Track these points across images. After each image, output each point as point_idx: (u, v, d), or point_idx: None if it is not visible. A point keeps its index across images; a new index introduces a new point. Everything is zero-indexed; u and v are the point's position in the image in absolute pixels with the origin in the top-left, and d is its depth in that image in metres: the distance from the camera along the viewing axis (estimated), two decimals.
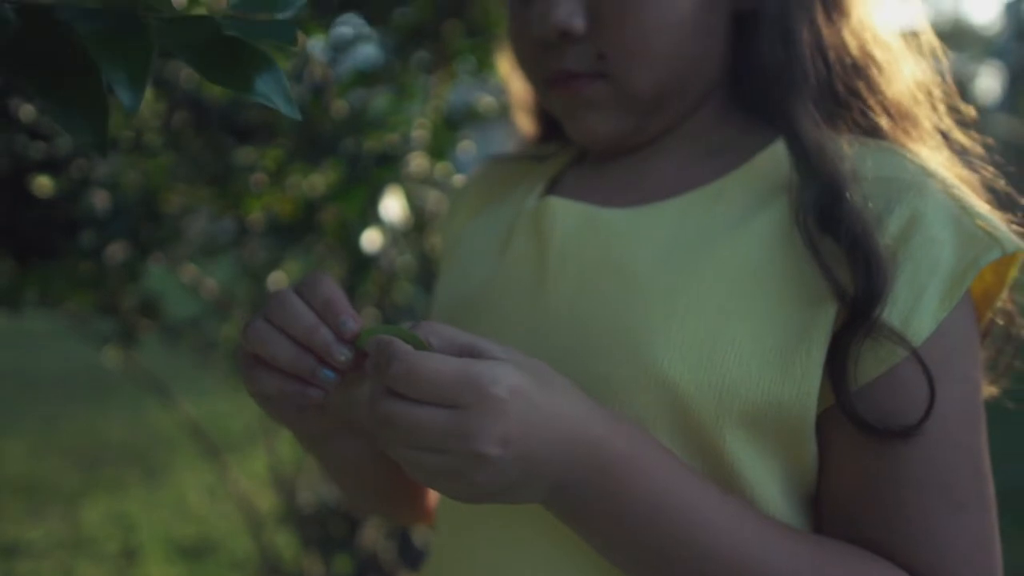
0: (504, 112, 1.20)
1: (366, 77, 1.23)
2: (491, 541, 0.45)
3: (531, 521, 0.42)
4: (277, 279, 1.40)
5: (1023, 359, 0.46)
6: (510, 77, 0.58)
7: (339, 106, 1.12)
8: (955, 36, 22.64)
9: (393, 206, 1.19)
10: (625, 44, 0.43)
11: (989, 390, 0.46)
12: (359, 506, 0.58)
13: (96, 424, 3.28)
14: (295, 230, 1.28)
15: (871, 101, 0.44)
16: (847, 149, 0.41)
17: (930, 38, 0.48)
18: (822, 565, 0.38)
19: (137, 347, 1.50)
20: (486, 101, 1.27)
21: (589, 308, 0.43)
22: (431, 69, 1.46)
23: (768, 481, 0.40)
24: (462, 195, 0.59)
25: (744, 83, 0.46)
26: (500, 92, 1.14)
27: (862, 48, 0.44)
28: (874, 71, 0.44)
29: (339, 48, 1.25)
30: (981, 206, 0.41)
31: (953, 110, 0.47)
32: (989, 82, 21.51)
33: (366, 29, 1.32)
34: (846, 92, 0.43)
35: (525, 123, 0.59)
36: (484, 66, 1.37)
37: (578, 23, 0.43)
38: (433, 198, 1.30)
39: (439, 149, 1.26)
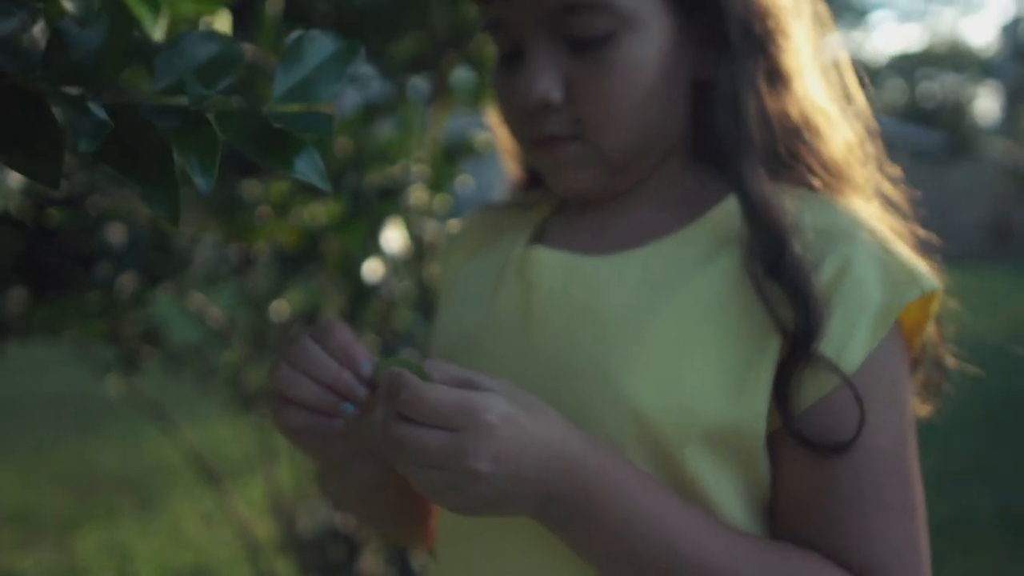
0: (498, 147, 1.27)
1: (372, 112, 1.29)
2: (487, 553, 0.50)
3: (524, 534, 0.47)
4: (278, 308, 1.45)
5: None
6: (499, 129, 0.63)
7: (343, 143, 1.18)
8: (953, 58, 23.08)
9: (393, 237, 1.25)
10: (598, 113, 0.48)
11: (923, 409, 0.52)
12: (368, 525, 0.63)
13: (89, 452, 3.29)
14: (298, 260, 1.34)
15: (810, 160, 0.49)
16: (789, 203, 0.47)
17: (863, 101, 0.54)
18: (776, 566, 0.43)
19: (139, 374, 1.54)
20: (482, 137, 1.33)
21: (569, 349, 0.49)
22: (429, 100, 1.53)
23: (726, 493, 0.46)
24: (457, 240, 0.65)
25: (702, 143, 0.52)
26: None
27: (802, 115, 0.50)
28: (813, 134, 0.50)
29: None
30: (904, 251, 0.47)
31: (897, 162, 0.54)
32: (987, 103, 21.93)
33: (366, 65, 1.39)
34: (788, 153, 0.49)
35: (513, 169, 0.65)
36: (480, 98, 1.44)
37: (556, 95, 0.48)
38: (432, 229, 1.36)
39: (438, 182, 1.32)
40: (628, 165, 0.51)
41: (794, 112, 0.50)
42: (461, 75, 1.51)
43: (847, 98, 0.54)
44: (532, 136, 0.51)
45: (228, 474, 2.59)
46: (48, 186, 0.33)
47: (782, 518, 0.47)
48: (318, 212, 1.27)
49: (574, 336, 0.49)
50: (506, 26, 0.50)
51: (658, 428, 0.45)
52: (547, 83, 0.48)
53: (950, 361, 0.52)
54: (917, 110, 21.16)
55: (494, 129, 0.68)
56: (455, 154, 1.34)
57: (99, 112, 0.32)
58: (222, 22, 0.61)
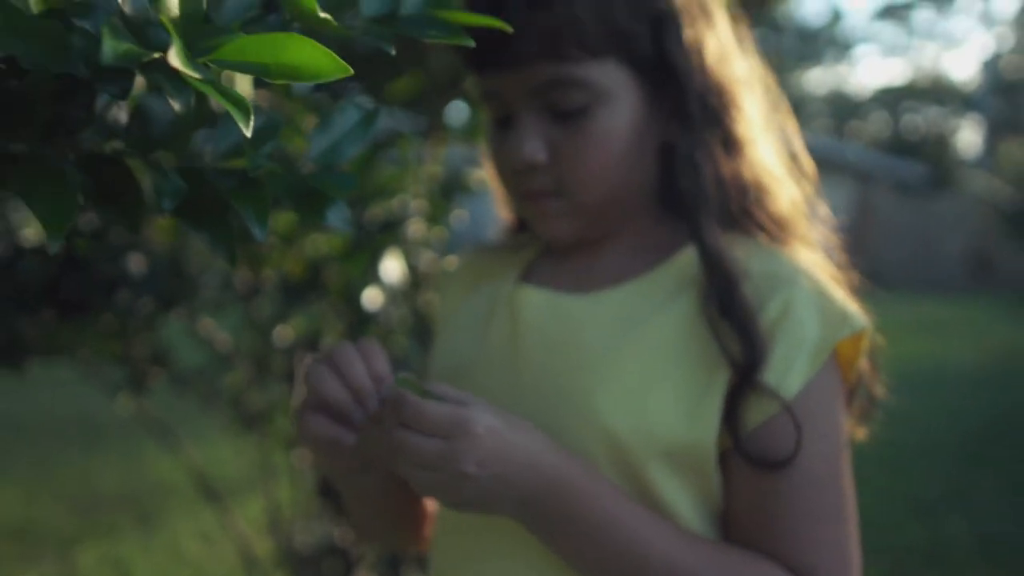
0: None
1: (375, 151, 1.37)
2: (478, 557, 0.58)
3: (512, 540, 0.54)
4: (282, 333, 1.52)
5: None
6: (492, 180, 0.71)
7: None
8: (936, 92, 23.56)
9: (392, 267, 1.33)
10: (576, 173, 0.56)
11: (860, 432, 0.60)
12: (371, 531, 0.71)
13: (90, 470, 3.30)
14: (302, 288, 1.41)
15: (760, 216, 0.57)
16: (739, 252, 0.55)
17: (809, 163, 0.63)
18: (728, 565, 0.50)
19: (147, 394, 1.60)
20: (476, 175, 1.42)
21: (550, 376, 0.56)
22: (426, 135, 1.62)
23: (685, 503, 0.53)
24: (454, 276, 0.73)
25: (668, 197, 0.60)
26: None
27: (753, 176, 0.58)
28: (763, 193, 0.58)
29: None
30: (839, 294, 0.55)
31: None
32: (969, 136, 22.35)
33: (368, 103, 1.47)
34: (740, 209, 0.57)
35: (505, 214, 0.73)
36: (475, 134, 1.53)
37: (541, 157, 0.56)
38: (428, 260, 1.44)
39: (435, 216, 1.40)
40: (603, 217, 0.59)
41: (746, 174, 0.58)
42: (457, 111, 1.60)
43: (794, 159, 0.62)
44: (520, 190, 0.59)
45: (227, 492, 2.63)
46: (132, 232, 0.41)
47: (732, 525, 0.54)
48: (321, 243, 1.35)
49: (555, 364, 0.56)
50: (500, 96, 0.58)
51: (626, 446, 0.52)
52: (533, 147, 0.56)
53: (880, 391, 0.60)
54: (901, 142, 21.55)
55: (488, 179, 0.76)
56: (451, 190, 1.43)
57: (175, 178, 0.40)
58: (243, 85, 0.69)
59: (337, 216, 0.45)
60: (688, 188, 0.56)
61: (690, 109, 0.56)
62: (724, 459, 0.53)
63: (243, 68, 0.29)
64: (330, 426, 0.52)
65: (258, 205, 0.41)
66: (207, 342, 1.55)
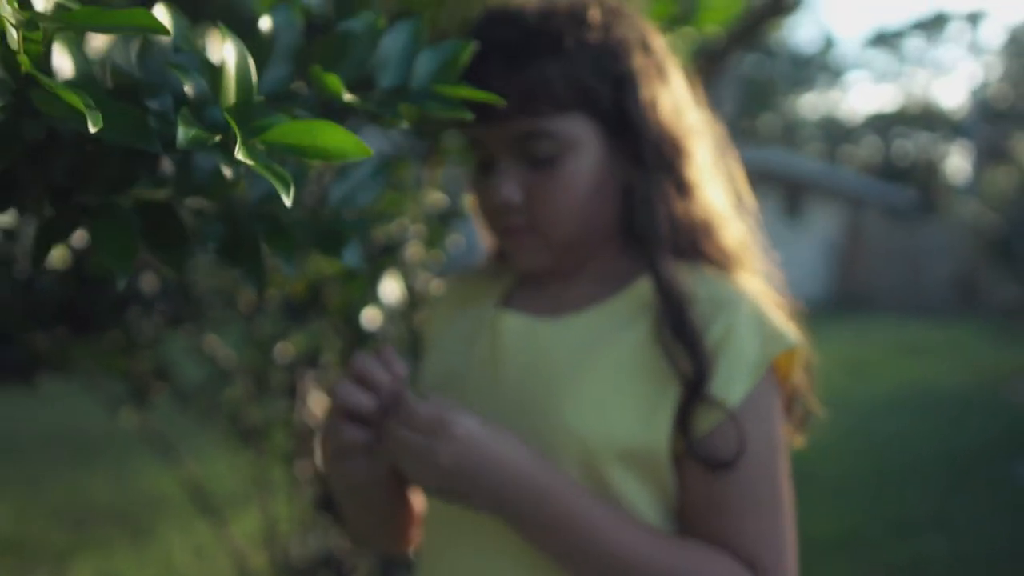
0: None
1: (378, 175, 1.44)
2: (460, 557, 0.65)
3: (493, 544, 0.62)
4: (283, 350, 1.58)
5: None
6: (474, 213, 0.78)
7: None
8: (926, 118, 23.92)
9: (391, 288, 1.40)
10: (547, 213, 0.64)
11: (797, 439, 0.67)
12: (367, 534, 0.77)
13: (81, 485, 3.32)
14: (303, 307, 1.48)
15: (708, 249, 0.65)
16: (689, 281, 0.62)
17: (752, 201, 0.70)
18: (679, 551, 0.57)
19: (148, 409, 1.66)
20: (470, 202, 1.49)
21: (525, 389, 0.64)
22: (424, 159, 1.69)
23: (643, 500, 0.60)
24: (441, 300, 0.81)
25: (629, 233, 0.67)
26: None
27: (703, 215, 0.66)
28: (711, 230, 0.66)
29: None
30: (776, 316, 0.63)
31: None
32: (959, 162, 22.68)
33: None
34: (690, 243, 0.65)
35: (487, 243, 0.80)
36: (471, 156, 1.60)
37: (516, 198, 0.63)
38: (425, 281, 1.51)
39: (432, 240, 1.48)
40: (571, 250, 0.67)
41: (696, 213, 0.66)
42: (453, 134, 1.68)
43: (739, 199, 0.70)
44: (499, 226, 0.67)
45: (222, 507, 2.66)
46: (176, 271, 0.47)
47: (685, 519, 0.61)
48: (323, 265, 1.41)
49: (530, 380, 0.64)
50: (482, 145, 0.66)
51: (591, 449, 0.59)
52: (510, 189, 0.64)
53: (815, 403, 0.67)
54: (892, 168, 21.85)
55: (473, 214, 0.84)
56: (447, 216, 1.50)
57: (217, 223, 0.47)
58: None
59: (353, 255, 0.52)
60: (645, 225, 0.64)
61: (646, 156, 0.64)
62: (678, 461, 0.60)
63: (285, 150, 0.36)
64: (360, 431, 0.60)
65: (287, 246, 0.48)
66: (211, 358, 1.61)
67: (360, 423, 0.60)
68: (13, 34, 0.34)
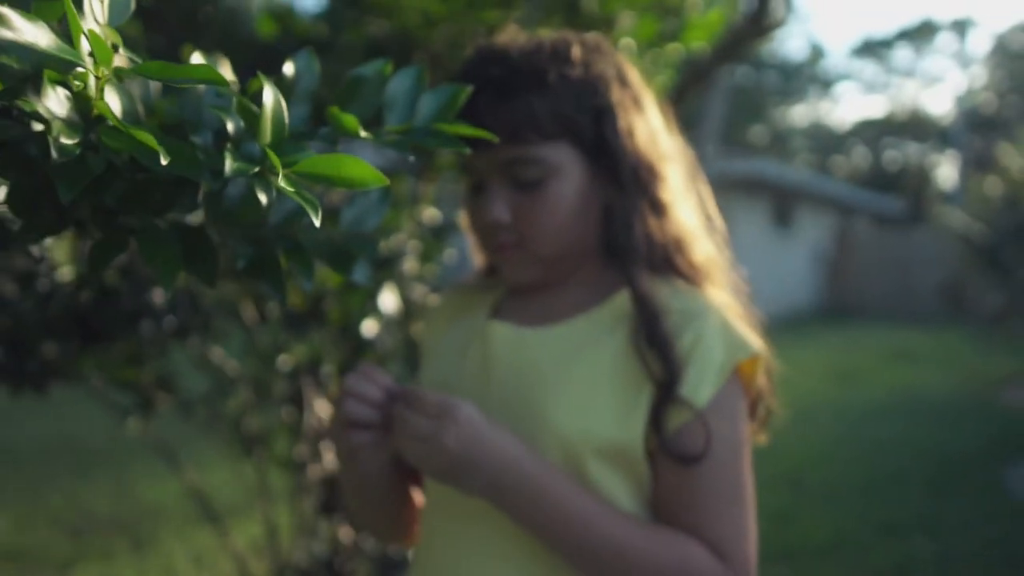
0: None
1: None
2: (455, 552, 0.71)
3: (488, 539, 0.68)
4: (285, 360, 1.64)
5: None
6: (467, 231, 0.84)
7: None
8: (914, 128, 24.13)
9: (388, 300, 1.46)
10: (534, 231, 0.70)
11: (760, 437, 0.74)
12: (373, 527, 0.84)
13: (80, 495, 3.35)
14: (304, 318, 1.54)
15: (680, 264, 0.72)
16: (662, 293, 0.69)
17: (720, 220, 0.77)
18: (653, 537, 0.63)
19: (153, 418, 1.71)
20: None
21: (514, 393, 0.70)
22: (418, 174, 1.76)
23: (620, 491, 0.66)
24: (437, 312, 0.87)
25: (608, 249, 0.73)
26: None
27: (675, 233, 0.72)
28: (683, 246, 0.72)
29: None
30: (740, 325, 0.69)
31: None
32: (947, 171, 22.87)
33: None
34: (664, 259, 0.71)
35: (479, 259, 0.86)
36: (462, 178, 1.67)
37: (506, 218, 0.70)
38: (420, 293, 1.58)
39: (427, 254, 1.55)
40: (556, 265, 0.73)
41: (670, 231, 0.72)
42: (445, 152, 1.75)
43: (709, 219, 0.77)
44: (490, 243, 0.73)
45: (222, 515, 2.70)
46: (209, 286, 0.54)
47: (658, 508, 0.67)
48: (323, 277, 1.48)
49: (518, 383, 0.70)
50: (474, 169, 0.72)
51: (572, 445, 0.66)
52: (500, 209, 0.70)
53: (776, 404, 0.73)
54: (881, 177, 22.08)
55: (465, 231, 0.91)
56: (441, 232, 1.57)
57: (246, 245, 0.54)
58: None
59: (361, 272, 0.59)
60: (623, 242, 0.70)
61: (624, 180, 0.70)
62: (652, 456, 0.67)
63: (315, 179, 0.43)
64: (370, 433, 0.67)
65: (306, 263, 0.55)
66: (217, 368, 1.67)
67: (363, 428, 0.67)
68: (92, 83, 0.40)
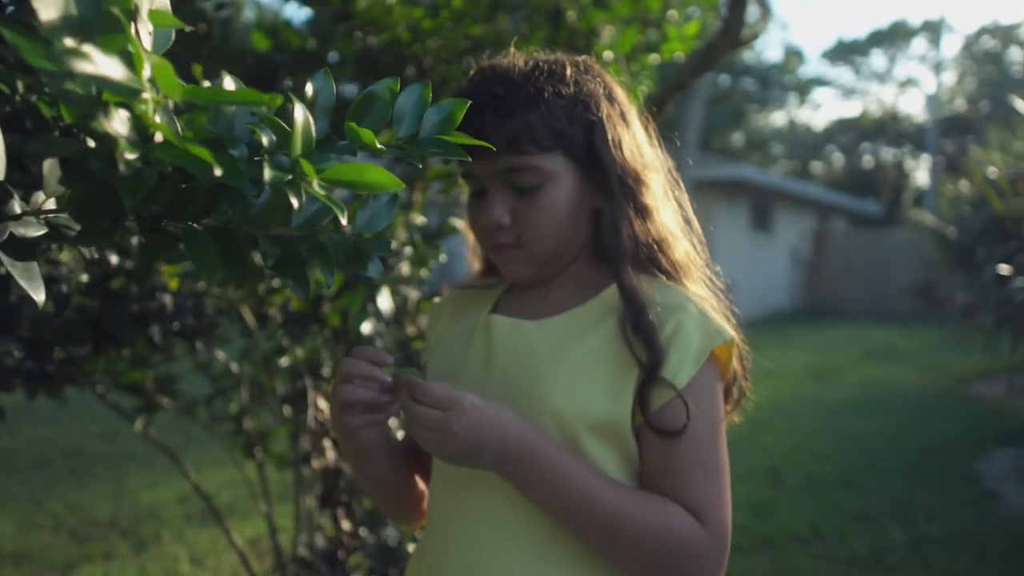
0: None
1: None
2: (461, 532, 0.78)
3: (491, 522, 0.75)
4: (284, 360, 1.70)
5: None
6: (468, 234, 0.92)
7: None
8: (890, 132, 24.49)
9: (384, 301, 1.53)
10: (531, 233, 0.78)
11: (734, 416, 0.82)
12: (384, 506, 0.91)
13: (80, 501, 3.37)
14: (304, 319, 1.60)
15: (662, 262, 0.79)
16: (646, 288, 0.76)
17: (697, 223, 0.85)
18: (643, 502, 0.71)
19: (155, 419, 1.76)
20: (457, 222, 1.63)
21: (514, 379, 0.77)
22: (411, 183, 1.83)
23: (611, 463, 0.73)
24: (439, 311, 0.95)
25: (598, 248, 0.81)
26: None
27: (658, 234, 0.80)
28: (665, 246, 0.80)
29: None
30: (715, 316, 0.77)
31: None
32: (922, 174, 23.26)
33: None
34: (648, 258, 0.79)
35: (476, 263, 0.94)
36: (454, 181, 1.74)
37: (505, 221, 0.77)
38: (414, 296, 1.65)
39: (421, 259, 1.62)
40: (551, 263, 0.80)
41: (653, 232, 0.79)
42: (438, 160, 1.82)
43: (687, 221, 0.85)
44: (490, 244, 0.81)
45: (224, 514, 2.73)
46: (241, 283, 0.61)
47: (645, 478, 0.74)
48: (323, 280, 1.54)
49: (517, 370, 0.77)
50: (476, 176, 0.80)
51: (567, 421, 0.73)
52: (500, 213, 0.77)
53: (747, 387, 0.81)
54: (858, 180, 22.46)
55: (465, 234, 0.98)
56: (434, 237, 1.64)
57: (273, 245, 0.61)
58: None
59: (374, 269, 0.66)
60: (611, 242, 0.78)
61: (611, 187, 0.78)
62: (638, 432, 0.74)
63: (339, 184, 0.50)
64: (366, 415, 0.74)
65: (326, 261, 0.62)
66: (222, 370, 1.72)
67: (360, 409, 0.73)
68: (151, 108, 0.48)
